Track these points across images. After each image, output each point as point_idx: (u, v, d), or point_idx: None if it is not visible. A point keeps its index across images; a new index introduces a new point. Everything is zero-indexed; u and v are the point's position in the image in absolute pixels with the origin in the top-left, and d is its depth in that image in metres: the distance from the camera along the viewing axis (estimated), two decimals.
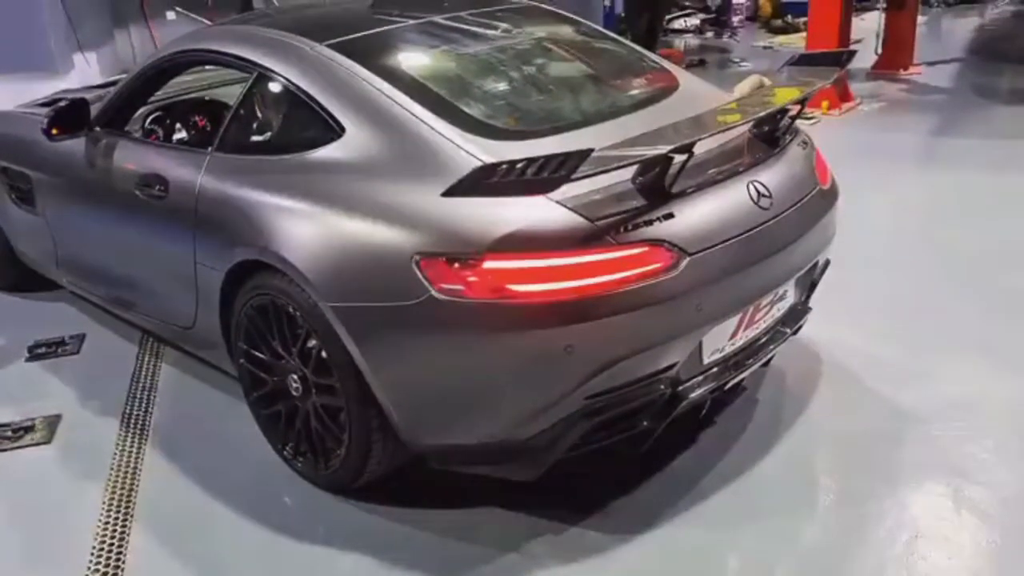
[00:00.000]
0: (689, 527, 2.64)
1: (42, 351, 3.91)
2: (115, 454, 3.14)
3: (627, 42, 3.52)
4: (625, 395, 2.42)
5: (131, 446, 3.18)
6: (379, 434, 2.57)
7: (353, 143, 2.63)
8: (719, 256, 2.46)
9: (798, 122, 2.92)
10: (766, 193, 2.63)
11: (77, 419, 3.39)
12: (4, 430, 3.27)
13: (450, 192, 2.23)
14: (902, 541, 2.53)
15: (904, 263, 4.42)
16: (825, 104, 7.22)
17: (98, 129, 3.44)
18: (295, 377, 2.74)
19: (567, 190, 2.32)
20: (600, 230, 2.32)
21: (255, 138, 3.04)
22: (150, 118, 3.71)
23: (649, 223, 2.38)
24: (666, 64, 3.31)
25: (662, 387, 2.48)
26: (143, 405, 3.44)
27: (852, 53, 3.08)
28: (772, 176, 2.70)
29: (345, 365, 2.52)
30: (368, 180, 2.54)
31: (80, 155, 3.47)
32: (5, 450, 3.19)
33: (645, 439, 2.58)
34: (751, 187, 2.61)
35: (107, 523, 2.77)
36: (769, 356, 2.89)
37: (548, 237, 2.30)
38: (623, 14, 9.43)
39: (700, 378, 2.60)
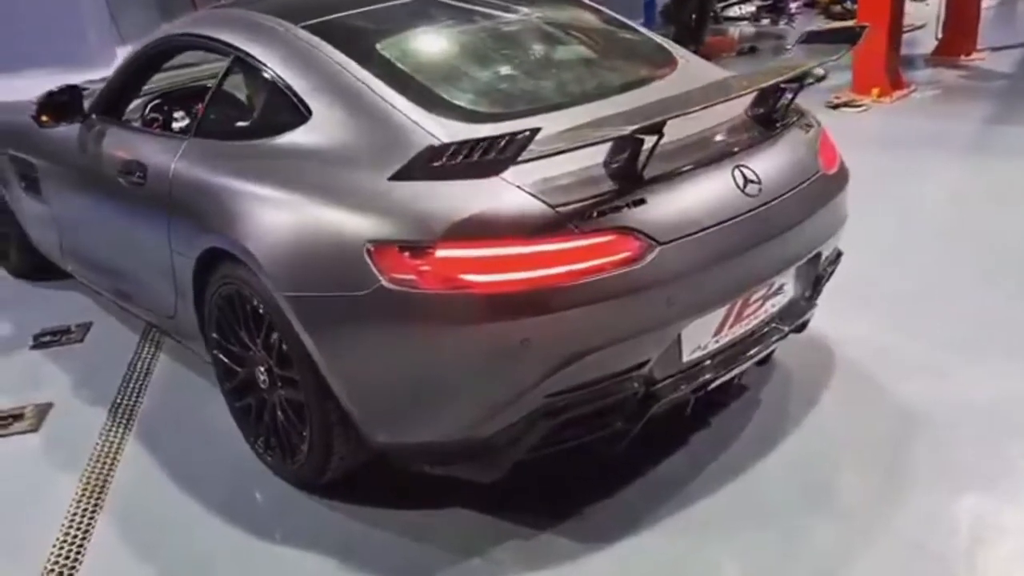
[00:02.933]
0: (671, 535, 2.46)
1: (47, 339, 3.92)
2: (97, 444, 3.10)
3: (629, 23, 3.34)
4: (590, 394, 2.26)
5: (114, 436, 3.14)
6: (340, 429, 2.46)
7: (319, 127, 2.53)
8: (696, 246, 2.28)
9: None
10: (754, 179, 2.44)
11: (68, 408, 3.37)
12: None
13: (397, 176, 2.11)
14: (903, 558, 2.33)
15: (933, 256, 4.13)
16: (875, 91, 6.87)
17: (93, 117, 3.42)
18: (262, 369, 2.66)
19: (531, 174, 2.19)
20: (562, 217, 2.17)
21: (229, 123, 2.96)
22: (150, 106, 3.68)
23: (617, 209, 2.21)
24: (667, 45, 3.13)
25: (634, 385, 2.31)
26: (134, 395, 3.41)
27: (864, 28, 2.84)
28: (763, 160, 2.51)
29: (303, 358, 2.42)
30: (329, 165, 2.43)
31: (76, 143, 3.45)
32: None
33: (619, 440, 2.43)
34: (737, 172, 2.42)
35: (75, 514, 2.73)
36: (763, 355, 2.69)
37: (506, 224, 2.16)
38: (667, 4, 9.17)
39: (679, 377, 2.42)
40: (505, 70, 2.83)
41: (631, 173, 2.24)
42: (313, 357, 2.37)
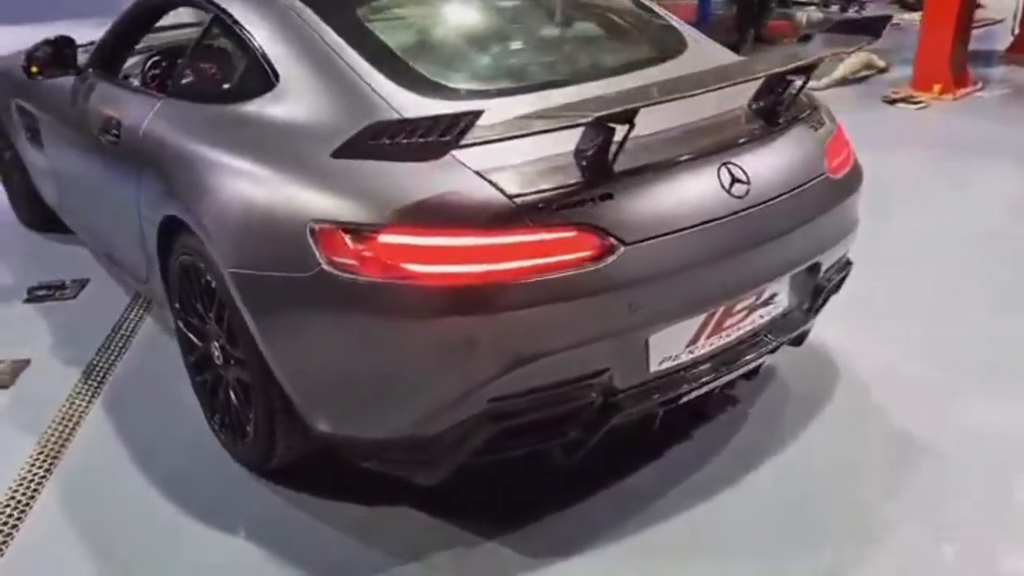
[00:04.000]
0: (628, 555, 2.30)
1: (41, 293, 3.88)
2: (63, 406, 3.03)
3: (644, 1, 3.12)
4: (541, 400, 2.09)
5: (81, 400, 3.07)
6: (283, 416, 2.33)
7: (284, 96, 2.38)
8: (667, 248, 2.09)
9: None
10: (742, 178, 2.22)
11: (44, 366, 3.31)
12: None
13: (338, 152, 1.95)
14: None
15: (960, 272, 3.84)
16: (937, 88, 6.50)
17: (89, 71, 3.33)
18: (216, 345, 2.54)
19: (492, 160, 2.02)
20: (519, 208, 1.99)
21: (201, 86, 2.84)
22: (150, 63, 3.58)
23: (580, 204, 2.03)
24: (678, 26, 2.90)
25: (591, 394, 2.13)
26: (111, 358, 3.34)
27: (887, 19, 2.59)
28: (756, 158, 2.29)
29: (248, 338, 2.29)
30: (287, 137, 2.29)
31: (69, 97, 3.37)
32: None
33: (576, 450, 2.26)
34: (724, 170, 2.21)
35: (25, 477, 2.66)
36: (748, 369, 2.48)
37: (457, 212, 1.99)
38: None
39: (644, 388, 2.23)
40: (496, 46, 2.65)
41: (600, 165, 2.05)
42: (256, 338, 2.25)
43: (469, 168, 2.03)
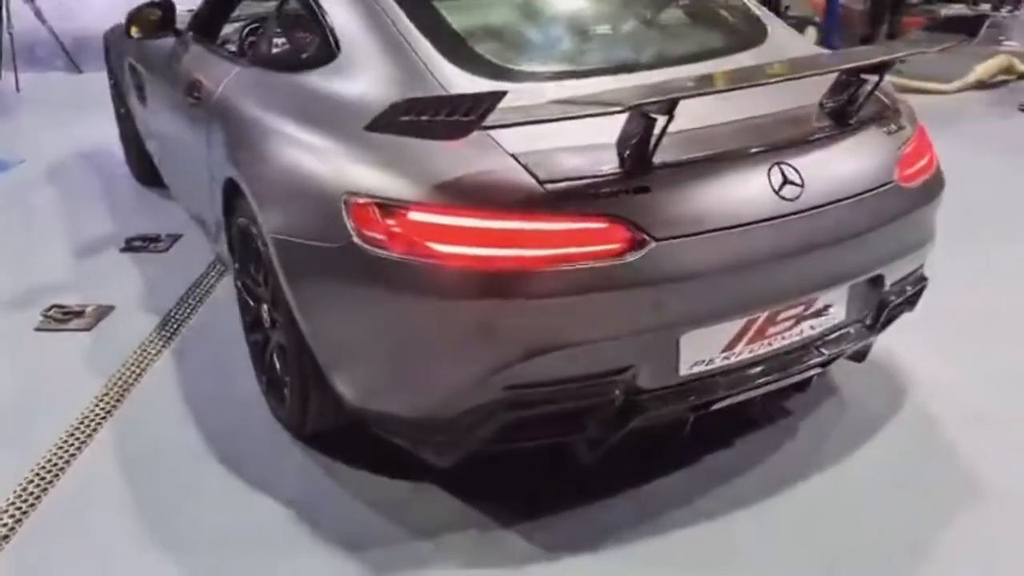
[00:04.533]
0: (639, 560, 2.22)
1: (136, 244, 4.09)
2: (135, 352, 3.19)
3: None
4: (558, 393, 2.05)
5: (153, 348, 3.21)
6: (316, 383, 2.37)
7: (342, 67, 2.41)
8: (701, 247, 2.00)
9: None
10: (795, 180, 2.11)
11: (126, 313, 3.48)
12: (58, 311, 3.44)
13: (370, 126, 1.95)
14: None
15: None
16: None
17: (189, 34, 3.47)
18: (265, 308, 2.61)
19: (531, 143, 1.99)
20: (549, 194, 1.95)
21: (275, 54, 2.89)
22: (248, 30, 3.69)
23: (613, 195, 1.97)
24: (762, 16, 2.76)
25: (614, 392, 2.08)
26: (187, 312, 3.48)
27: (984, 17, 2.39)
28: (815, 160, 2.16)
29: (285, 304, 2.34)
30: (338, 110, 2.31)
31: (167, 58, 3.52)
32: (48, 330, 3.35)
33: (596, 447, 2.21)
34: (775, 170, 2.10)
35: (86, 418, 2.80)
36: (792, 381, 2.36)
37: (487, 194, 1.97)
38: None
39: (673, 391, 2.16)
40: (566, 30, 2.61)
41: (638, 156, 1.98)
42: (291, 304, 2.29)
43: (505, 150, 2.00)
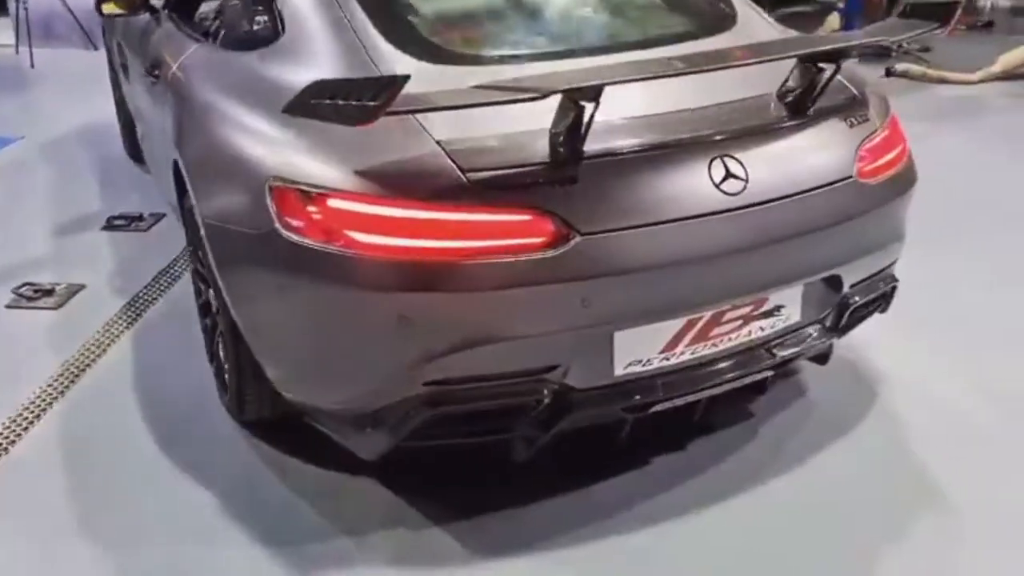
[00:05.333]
0: (570, 564, 2.14)
1: (118, 223, 4.07)
2: (97, 332, 3.17)
3: None
4: (482, 390, 1.97)
5: (116, 329, 3.18)
6: (251, 369, 2.31)
7: (284, 48, 2.33)
8: (631, 243, 1.91)
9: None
10: (740, 174, 2.00)
11: (96, 292, 3.46)
12: (29, 289, 3.43)
13: (285, 109, 1.87)
14: None
15: None
16: None
17: (163, 12, 3.42)
18: (212, 293, 2.57)
19: (458, 130, 1.90)
20: (472, 184, 1.87)
21: (228, 32, 2.82)
22: (214, 8, 3.63)
23: (540, 186, 1.88)
24: (738, 2, 2.62)
25: (543, 391, 1.99)
26: (156, 293, 3.45)
27: (956, 5, 2.24)
28: (763, 153, 2.05)
29: (219, 290, 2.29)
30: (273, 90, 2.21)
31: (140, 36, 3.48)
32: (17, 307, 3.35)
33: (527, 447, 2.13)
34: (717, 163, 1.99)
35: (38, 397, 2.79)
36: (740, 384, 2.25)
37: (406, 183, 1.89)
38: None
39: (607, 391, 2.07)
40: (518, 12, 2.50)
41: (568, 146, 1.89)
42: (222, 290, 2.24)
43: (431, 136, 1.92)
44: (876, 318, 2.56)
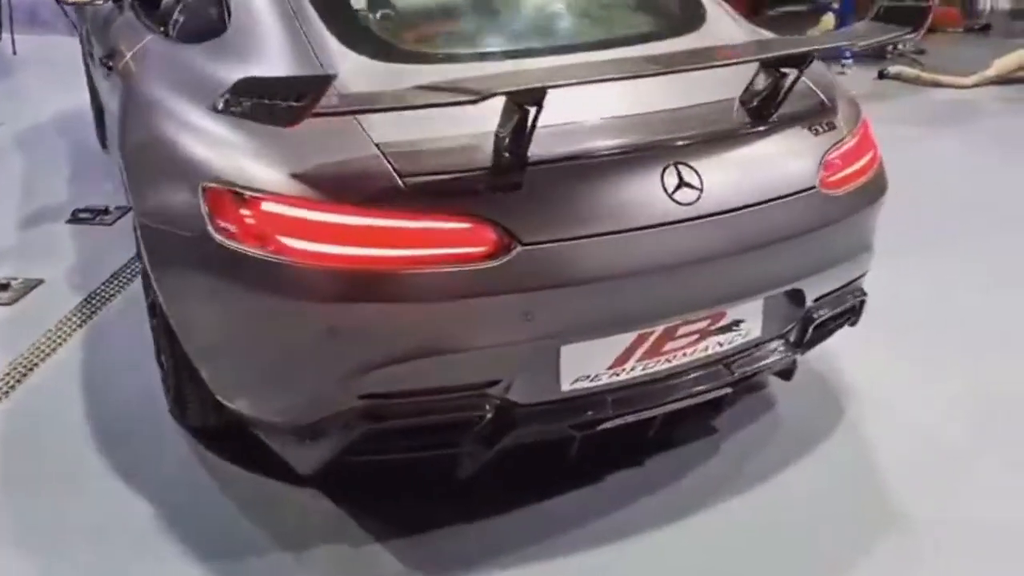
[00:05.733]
0: None
1: (83, 216, 3.98)
2: (50, 330, 3.08)
3: None
4: (420, 405, 1.89)
5: (69, 327, 3.10)
6: (189, 373, 2.21)
7: (228, 42, 2.24)
8: (576, 254, 1.82)
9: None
10: (694, 183, 1.91)
11: (54, 287, 3.38)
12: None
13: (214, 107, 1.79)
14: None
15: None
16: None
17: (127, 1, 3.32)
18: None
19: (401, 132, 1.81)
20: (410, 189, 1.78)
21: (179, 23, 2.72)
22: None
23: (480, 193, 1.79)
24: (708, 1, 2.53)
25: (485, 406, 1.91)
26: (114, 289, 3.37)
27: (928, 10, 2.15)
28: (720, 162, 1.96)
29: (154, 291, 2.20)
30: (212, 86, 2.12)
31: (102, 24, 3.38)
32: None
33: (472, 463, 2.04)
34: (671, 170, 1.90)
35: None
36: (698, 401, 2.16)
37: (342, 187, 1.80)
38: None
39: (554, 408, 1.98)
40: (477, 10, 2.41)
41: (511, 151, 1.80)
42: (157, 293, 2.16)
43: (371, 139, 1.83)
44: (849, 329, 2.48)
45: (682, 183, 1.89)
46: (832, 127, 2.17)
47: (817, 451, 2.51)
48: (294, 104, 1.57)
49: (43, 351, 2.96)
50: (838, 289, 2.27)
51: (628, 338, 1.96)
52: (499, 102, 1.74)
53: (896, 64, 6.49)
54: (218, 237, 1.88)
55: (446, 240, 1.77)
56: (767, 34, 2.56)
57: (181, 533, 2.18)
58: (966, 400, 2.71)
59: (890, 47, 6.74)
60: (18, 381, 2.80)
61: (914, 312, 3.17)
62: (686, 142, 1.94)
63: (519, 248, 1.78)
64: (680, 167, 1.90)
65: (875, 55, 6.61)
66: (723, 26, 2.43)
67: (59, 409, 2.67)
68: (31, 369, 2.86)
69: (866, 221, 2.23)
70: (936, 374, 2.83)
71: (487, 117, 1.78)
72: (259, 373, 1.98)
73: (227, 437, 2.40)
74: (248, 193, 1.85)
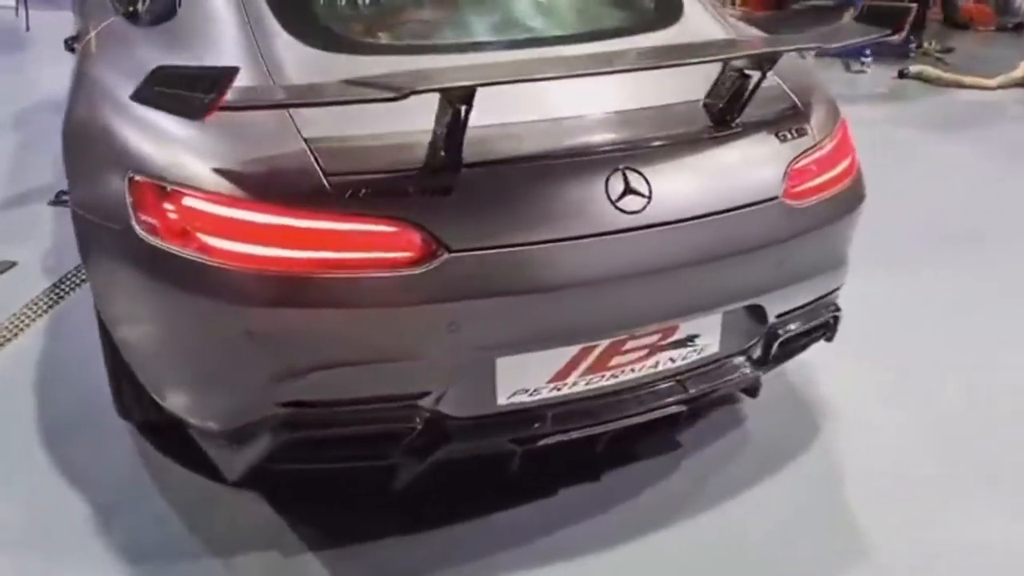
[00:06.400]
0: None
1: (66, 198, 3.89)
2: (14, 314, 3.03)
3: None
4: (343, 415, 1.80)
5: (35, 311, 3.04)
6: (124, 368, 2.14)
7: (175, 27, 2.15)
8: (509, 263, 1.71)
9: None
10: (642, 190, 1.79)
11: (26, 271, 3.33)
12: None
13: (132, 96, 1.69)
14: None
15: None
16: None
17: None
18: None
19: (333, 128, 1.72)
20: (334, 189, 1.68)
21: (145, 4, 2.63)
22: None
23: (408, 195, 1.69)
24: None
25: (415, 418, 1.81)
26: (85, 275, 3.31)
27: (907, 12, 2.01)
28: (672, 168, 1.85)
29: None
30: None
31: (82, 3, 3.32)
32: None
33: (404, 475, 1.96)
34: (616, 176, 1.78)
35: None
36: (650, 418, 2.05)
37: (268, 185, 1.71)
38: None
39: (490, 422, 1.89)
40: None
41: (445, 151, 1.70)
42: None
43: (300, 134, 1.73)
44: (827, 344, 2.36)
45: (628, 190, 1.78)
46: (802, 133, 2.03)
47: (787, 468, 2.40)
48: (202, 96, 1.48)
49: (4, 336, 2.91)
50: (806, 305, 2.14)
51: (570, 352, 1.86)
52: (436, 100, 1.64)
53: (918, 63, 6.28)
54: (141, 232, 1.79)
55: (370, 244, 1.68)
56: (754, 32, 2.43)
57: (111, 535, 2.12)
58: (940, 426, 2.58)
59: (913, 45, 6.52)
60: None
61: (893, 324, 3.04)
62: (635, 146, 1.82)
63: (447, 255, 1.67)
64: (628, 173, 1.79)
65: (897, 53, 6.40)
66: (701, 23, 2.30)
67: (10, 400, 2.61)
68: None
69: (838, 234, 2.10)
70: (909, 394, 2.70)
71: (425, 115, 1.68)
72: (183, 374, 1.90)
73: (170, 434, 2.33)
74: (171, 187, 1.76)
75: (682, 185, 1.84)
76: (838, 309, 2.25)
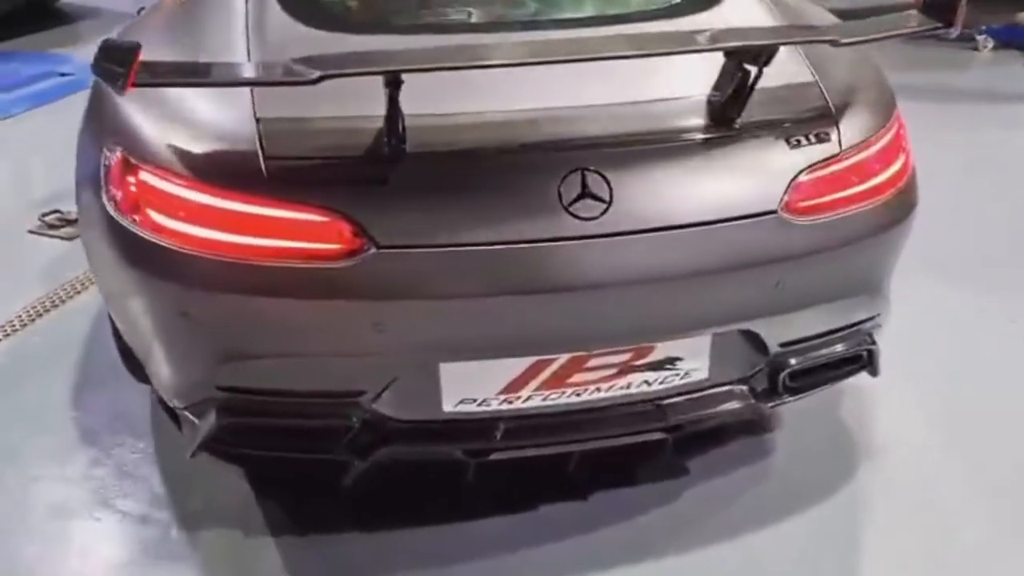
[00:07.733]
0: None
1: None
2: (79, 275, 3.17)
3: None
4: (279, 406, 1.75)
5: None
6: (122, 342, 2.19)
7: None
8: (437, 264, 1.59)
9: None
10: (601, 194, 1.61)
11: None
12: (55, 217, 3.44)
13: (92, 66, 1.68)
14: None
15: None
16: None
17: None
18: None
19: (288, 108, 1.67)
20: (270, 172, 1.62)
21: None
22: None
23: (340, 184, 1.61)
24: None
25: (351, 417, 1.73)
26: None
27: (956, 4, 1.67)
28: (642, 171, 1.65)
29: None
30: (153, 42, 2.05)
31: None
32: (40, 234, 3.39)
33: (353, 472, 1.88)
34: (573, 178, 1.61)
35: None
36: (622, 443, 1.87)
37: (212, 163, 1.67)
38: None
39: (434, 428, 1.78)
40: None
41: (383, 140, 1.59)
42: None
43: (254, 113, 1.68)
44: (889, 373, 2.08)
45: (585, 193, 1.60)
46: (822, 139, 1.76)
47: (801, 510, 2.14)
48: (118, 70, 1.45)
49: (75, 289, 3.06)
50: (825, 335, 1.88)
51: (522, 364, 1.71)
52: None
53: None
54: (107, 205, 1.81)
55: (299, 233, 1.60)
56: (831, 19, 2.14)
57: (94, 507, 2.15)
58: (992, 475, 2.25)
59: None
60: (40, 315, 2.91)
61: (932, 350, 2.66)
62: (600, 145, 1.64)
63: (373, 250, 1.57)
64: (586, 174, 1.61)
65: None
66: (745, 7, 2.05)
67: (52, 358, 2.68)
68: (48, 310, 2.94)
69: (866, 256, 1.82)
70: (966, 437, 2.37)
71: (380, 99, 1.58)
72: (148, 348, 1.90)
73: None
74: (133, 160, 1.76)
75: (653, 191, 1.64)
76: (873, 342, 1.96)
